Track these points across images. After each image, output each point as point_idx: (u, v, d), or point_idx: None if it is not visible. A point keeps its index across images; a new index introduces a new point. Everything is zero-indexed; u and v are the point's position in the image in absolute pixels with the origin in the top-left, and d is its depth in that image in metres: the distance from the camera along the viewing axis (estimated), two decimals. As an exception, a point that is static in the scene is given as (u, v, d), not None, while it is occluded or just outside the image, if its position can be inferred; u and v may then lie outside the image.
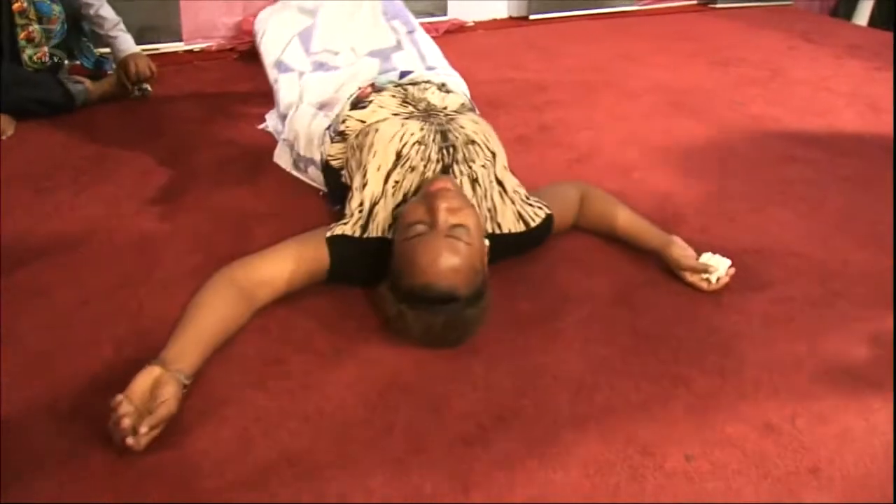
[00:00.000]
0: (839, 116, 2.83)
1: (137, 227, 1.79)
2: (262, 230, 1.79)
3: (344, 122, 1.73)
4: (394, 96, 1.75)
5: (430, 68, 2.03)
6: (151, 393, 1.18)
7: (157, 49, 2.97)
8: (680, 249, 1.68)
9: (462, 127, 1.64)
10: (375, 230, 1.53)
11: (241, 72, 2.92)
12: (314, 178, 1.95)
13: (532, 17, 3.99)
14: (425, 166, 1.56)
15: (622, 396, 1.36)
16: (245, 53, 3.08)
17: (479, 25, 3.85)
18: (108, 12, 2.45)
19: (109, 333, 1.42)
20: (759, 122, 2.72)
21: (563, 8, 4.06)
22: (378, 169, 1.56)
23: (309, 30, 2.11)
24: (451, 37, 3.64)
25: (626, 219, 1.79)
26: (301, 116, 1.93)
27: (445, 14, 3.73)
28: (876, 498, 1.18)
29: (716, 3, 4.47)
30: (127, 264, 1.64)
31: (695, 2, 4.50)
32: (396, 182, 1.55)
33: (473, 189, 1.57)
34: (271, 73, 2.14)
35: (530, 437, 1.26)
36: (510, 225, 1.63)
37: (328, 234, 1.52)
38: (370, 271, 1.52)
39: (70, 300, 1.51)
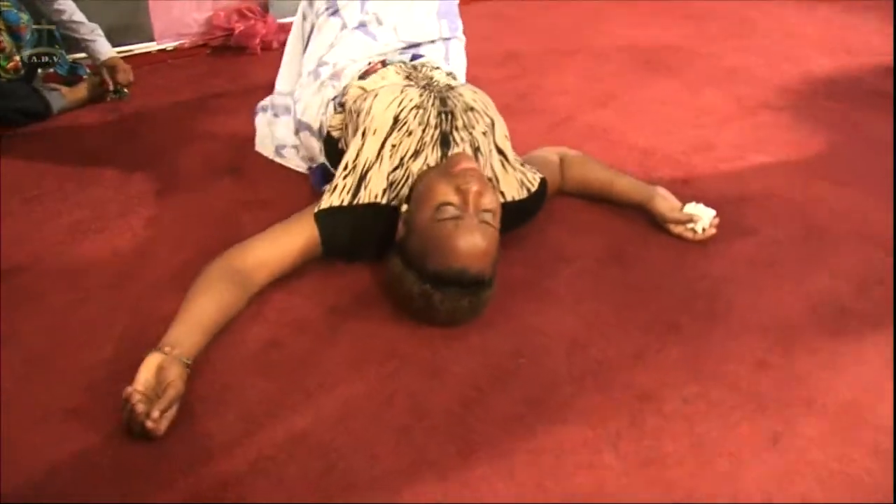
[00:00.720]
0: (813, 62, 2.84)
1: (127, 227, 1.80)
2: (250, 220, 1.79)
3: (347, 92, 1.72)
4: (398, 73, 1.73)
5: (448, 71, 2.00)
6: (157, 379, 1.20)
7: (129, 51, 2.95)
8: (664, 201, 1.70)
9: (461, 95, 1.63)
10: (367, 196, 1.53)
11: (215, 67, 2.91)
12: (305, 144, 1.91)
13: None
14: (423, 131, 1.55)
15: (617, 348, 1.38)
16: (218, 48, 3.07)
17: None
18: (81, 17, 2.44)
19: (106, 333, 1.43)
20: (733, 72, 2.73)
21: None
22: (374, 133, 1.55)
23: None
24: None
25: (607, 177, 1.80)
26: (308, 85, 1.88)
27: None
28: (869, 421, 1.21)
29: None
30: (119, 265, 1.65)
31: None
32: (393, 146, 1.54)
33: (476, 158, 1.55)
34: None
35: (529, 396, 1.28)
36: (514, 192, 1.63)
37: (315, 209, 1.52)
38: (365, 239, 1.54)
39: (66, 302, 1.52)
